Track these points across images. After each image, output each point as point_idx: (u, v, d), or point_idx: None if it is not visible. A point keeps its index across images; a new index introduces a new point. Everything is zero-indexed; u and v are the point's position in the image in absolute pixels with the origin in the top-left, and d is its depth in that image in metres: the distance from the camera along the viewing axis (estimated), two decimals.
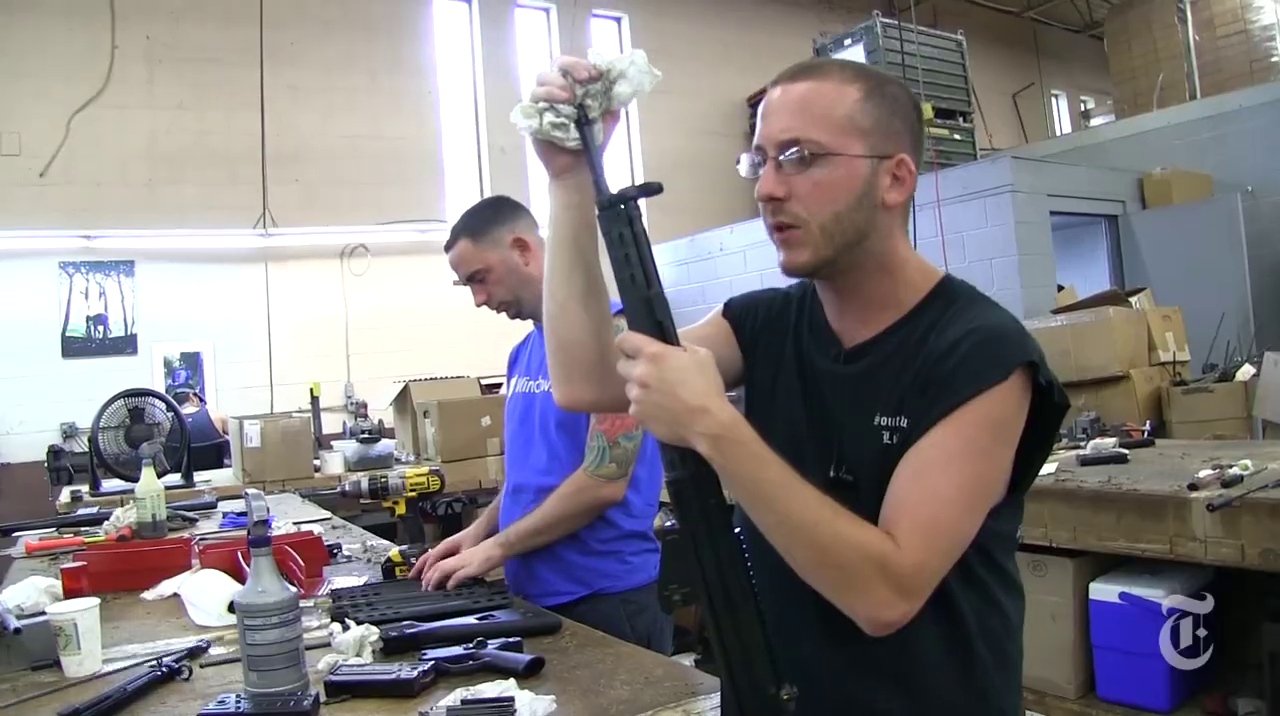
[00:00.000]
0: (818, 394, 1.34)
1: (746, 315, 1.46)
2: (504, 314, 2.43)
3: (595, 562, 2.24)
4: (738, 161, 1.31)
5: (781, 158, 1.24)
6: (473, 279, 2.39)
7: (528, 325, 2.49)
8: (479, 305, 2.42)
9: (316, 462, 5.56)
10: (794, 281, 1.45)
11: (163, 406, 4.93)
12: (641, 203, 1.19)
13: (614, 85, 1.22)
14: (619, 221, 1.16)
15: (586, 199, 1.26)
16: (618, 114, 1.28)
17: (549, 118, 1.23)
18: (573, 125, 1.23)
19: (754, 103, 10.73)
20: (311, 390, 7.51)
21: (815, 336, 1.37)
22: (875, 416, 1.25)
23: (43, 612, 1.84)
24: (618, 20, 10.66)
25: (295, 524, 3.24)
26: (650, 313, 1.15)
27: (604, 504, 2.20)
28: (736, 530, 1.13)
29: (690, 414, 1.10)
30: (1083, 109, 14.81)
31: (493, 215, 2.39)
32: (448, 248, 2.42)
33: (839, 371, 1.32)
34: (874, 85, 1.26)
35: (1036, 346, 1.21)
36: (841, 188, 1.23)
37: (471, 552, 2.25)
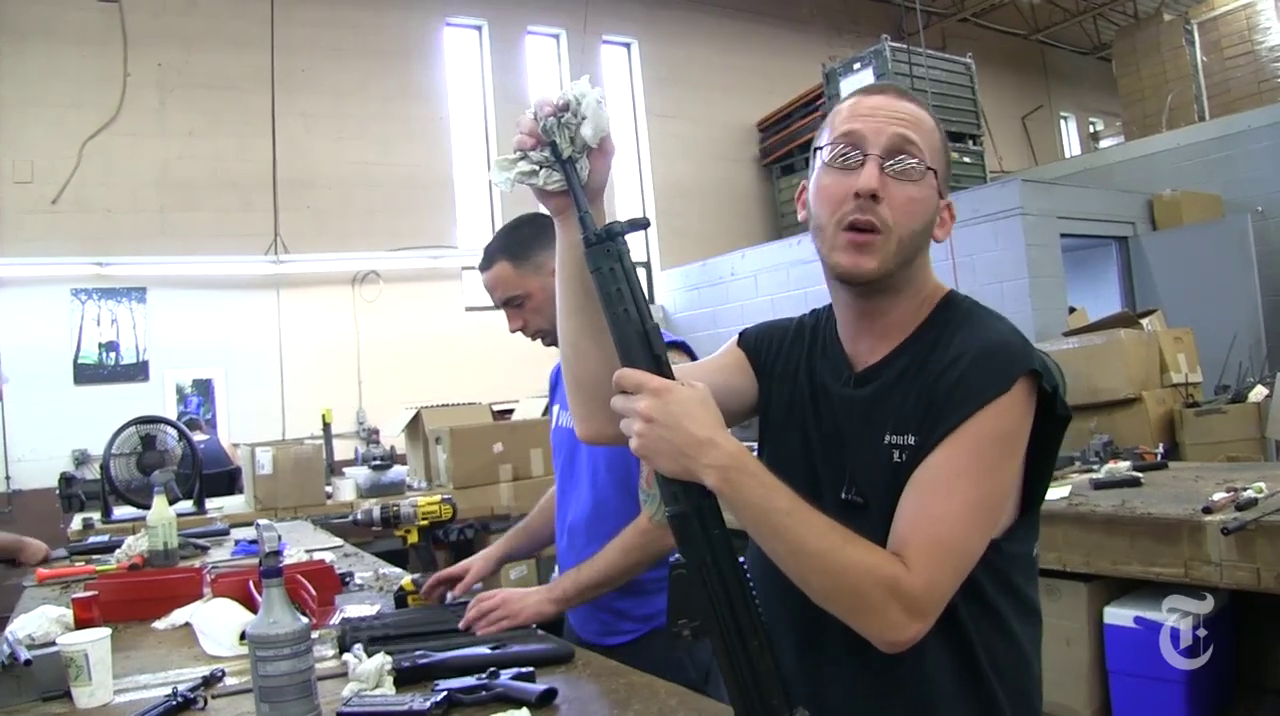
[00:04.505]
0: (830, 418, 1.35)
1: (761, 344, 1.47)
2: (538, 341, 2.30)
3: (653, 601, 2.17)
4: (817, 149, 1.31)
5: (893, 162, 1.25)
6: (509, 303, 2.28)
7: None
8: (513, 331, 2.32)
9: (329, 489, 5.56)
10: (808, 309, 1.46)
11: (175, 433, 4.95)
12: (638, 234, 1.18)
13: (580, 125, 1.21)
14: (608, 257, 1.17)
15: None
16: (607, 150, 1.26)
17: (521, 167, 1.24)
18: (543, 169, 1.24)
19: (764, 127, 10.90)
20: (323, 416, 7.53)
21: (828, 361, 1.39)
22: (885, 436, 1.26)
23: (54, 643, 1.84)
24: (627, 46, 10.71)
25: (307, 551, 3.23)
26: (648, 346, 1.16)
27: (671, 549, 2.16)
28: (740, 558, 1.13)
29: (698, 446, 1.11)
30: (1092, 131, 14.83)
31: (534, 237, 2.24)
32: (484, 267, 2.30)
33: (850, 395, 1.33)
34: (944, 132, 1.32)
35: (1040, 355, 1.22)
36: (925, 208, 1.27)
37: (522, 602, 2.09)
